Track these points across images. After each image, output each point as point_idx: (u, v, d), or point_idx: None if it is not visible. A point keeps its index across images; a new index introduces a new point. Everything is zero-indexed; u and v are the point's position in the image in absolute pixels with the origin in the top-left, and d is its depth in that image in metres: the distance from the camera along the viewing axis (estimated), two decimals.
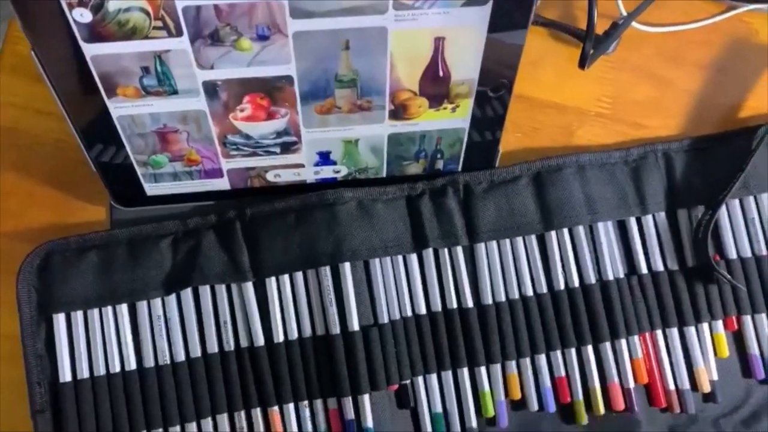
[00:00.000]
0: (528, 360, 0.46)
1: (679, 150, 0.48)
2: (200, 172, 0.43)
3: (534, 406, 0.46)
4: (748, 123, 0.50)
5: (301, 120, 0.40)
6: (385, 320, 0.45)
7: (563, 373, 0.46)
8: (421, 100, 0.40)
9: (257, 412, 0.44)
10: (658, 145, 0.48)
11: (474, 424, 0.45)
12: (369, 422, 0.43)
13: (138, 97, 0.37)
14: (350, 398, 0.43)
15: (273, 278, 0.44)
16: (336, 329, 0.44)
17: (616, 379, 0.46)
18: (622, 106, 0.51)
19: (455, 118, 0.42)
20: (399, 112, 0.40)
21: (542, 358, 0.46)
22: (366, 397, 0.43)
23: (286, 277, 0.45)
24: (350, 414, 0.43)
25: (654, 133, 0.50)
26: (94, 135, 0.39)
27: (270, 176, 0.44)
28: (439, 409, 0.45)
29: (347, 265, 0.44)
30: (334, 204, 0.45)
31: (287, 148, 0.42)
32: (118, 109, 0.38)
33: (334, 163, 0.44)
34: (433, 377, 0.45)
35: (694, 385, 0.47)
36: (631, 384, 0.46)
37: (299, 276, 0.45)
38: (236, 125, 0.39)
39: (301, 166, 0.44)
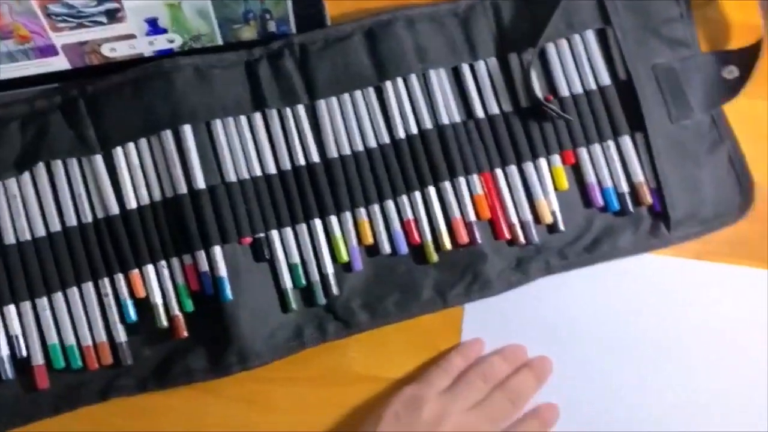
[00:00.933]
0: (376, 206, 0.48)
1: None
2: (35, 50, 0.45)
3: (386, 249, 0.49)
4: None
5: None
6: (233, 179, 0.47)
7: (411, 216, 0.49)
8: None
9: (119, 277, 0.46)
10: None
11: (331, 270, 0.48)
12: (222, 272, 0.46)
13: None
14: (203, 252, 0.46)
15: (119, 148, 0.46)
16: (183, 189, 0.46)
17: (457, 215, 0.49)
18: None
19: None
20: None
21: (390, 204, 0.49)
22: (217, 249, 0.46)
23: (131, 146, 0.47)
24: (204, 266, 0.46)
25: None
26: None
27: (106, 50, 0.46)
28: (296, 259, 0.48)
29: (187, 128, 0.46)
30: (171, 72, 0.47)
31: (112, 16, 0.43)
32: None
33: (165, 31, 0.46)
34: (288, 230, 0.48)
35: (537, 218, 0.50)
36: (472, 218, 0.49)
37: (143, 143, 0.47)
38: None
39: (133, 36, 0.45)
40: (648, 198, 0.49)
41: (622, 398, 0.48)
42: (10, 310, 0.45)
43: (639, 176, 0.50)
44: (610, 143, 0.50)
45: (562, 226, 0.50)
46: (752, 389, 0.48)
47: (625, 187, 0.50)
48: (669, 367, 0.49)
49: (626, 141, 0.50)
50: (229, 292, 0.46)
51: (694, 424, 0.48)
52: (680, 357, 0.49)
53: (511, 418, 0.47)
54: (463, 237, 0.48)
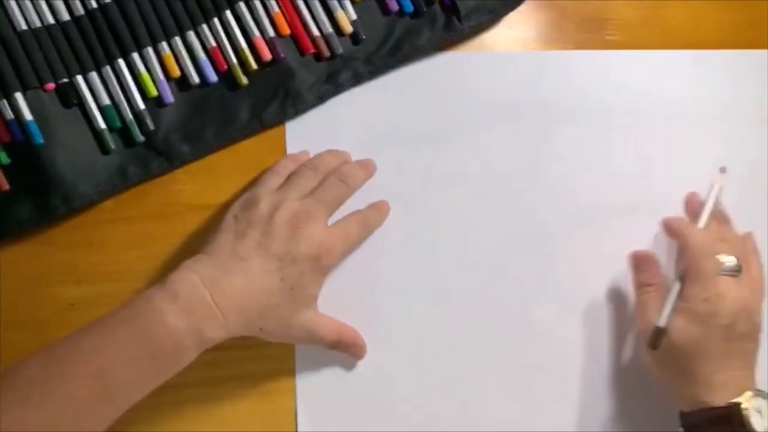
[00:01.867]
0: (178, 39, 0.49)
1: None
2: None
3: (195, 79, 0.50)
4: None
5: None
6: (24, 27, 0.47)
7: (213, 44, 0.50)
8: None
9: None
10: None
11: (142, 107, 0.49)
12: (28, 116, 0.46)
13: None
14: (5, 101, 0.46)
15: None
16: None
17: (257, 33, 0.50)
18: None
19: None
20: None
21: (191, 35, 0.50)
22: (18, 95, 0.46)
23: None
24: (9, 114, 0.46)
25: None
26: None
27: None
28: (106, 101, 0.49)
29: None
30: None
31: None
32: None
33: None
34: (93, 74, 0.48)
35: (340, 31, 0.52)
36: (272, 33, 0.50)
37: None
38: None
39: None
40: None
41: (443, 188, 0.52)
42: None
43: None
44: None
45: (363, 35, 0.52)
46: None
47: None
48: (468, 153, 0.53)
49: None
50: (39, 134, 0.46)
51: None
52: (478, 140, 0.53)
53: (344, 199, 0.49)
54: (267, 54, 0.50)
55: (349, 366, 0.50)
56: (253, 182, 0.50)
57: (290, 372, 0.50)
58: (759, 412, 0.45)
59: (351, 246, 0.49)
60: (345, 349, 0.49)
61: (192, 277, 0.42)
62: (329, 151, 0.51)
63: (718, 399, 0.45)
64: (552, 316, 0.52)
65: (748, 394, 0.45)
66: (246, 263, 0.44)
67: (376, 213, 0.51)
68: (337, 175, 0.49)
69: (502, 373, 0.51)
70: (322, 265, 0.46)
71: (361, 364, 0.50)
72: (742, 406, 0.45)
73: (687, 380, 0.47)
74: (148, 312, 0.41)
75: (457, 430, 0.50)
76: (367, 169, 0.51)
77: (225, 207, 0.50)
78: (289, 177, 0.49)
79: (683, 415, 0.48)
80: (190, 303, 0.41)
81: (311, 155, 0.51)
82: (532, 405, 0.51)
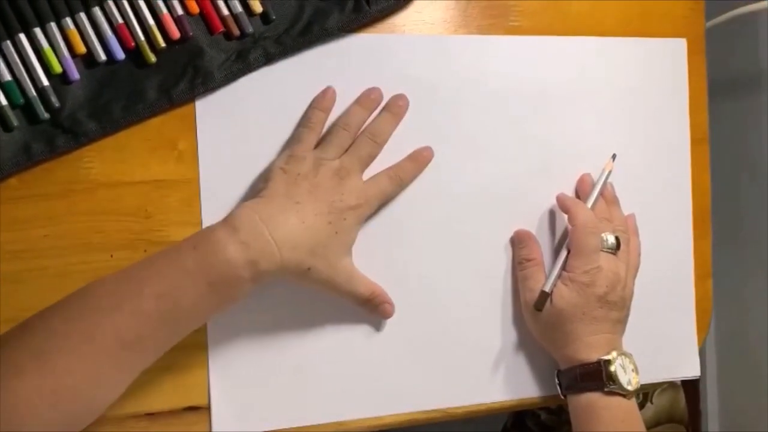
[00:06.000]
0: (83, 14, 0.49)
1: None
2: None
3: (102, 56, 0.49)
4: None
5: None
6: None
7: (121, 20, 0.49)
8: None
9: None
10: None
11: (46, 83, 0.48)
12: None
13: None
14: None
15: None
16: None
17: (165, 11, 0.50)
18: None
19: None
20: None
21: (97, 11, 0.49)
22: None
23: None
24: None
25: None
26: None
27: None
28: (7, 77, 0.48)
29: None
30: None
31: None
32: None
33: None
34: None
35: (250, 10, 0.52)
36: (180, 11, 0.50)
37: None
38: None
39: None
40: None
41: None
42: None
43: None
44: None
45: (273, 15, 0.53)
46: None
47: None
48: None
49: None
50: None
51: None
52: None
53: (375, 154, 0.53)
54: (175, 32, 0.50)
55: (261, 342, 0.52)
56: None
57: (203, 346, 0.51)
58: (623, 368, 0.52)
59: (385, 199, 0.53)
60: (375, 307, 0.53)
61: (251, 214, 0.46)
62: (359, 104, 0.53)
63: (591, 356, 0.52)
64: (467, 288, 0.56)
65: (615, 353, 0.52)
66: (299, 205, 0.48)
67: (411, 164, 0.54)
68: (367, 134, 0.53)
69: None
70: (360, 214, 0.51)
71: (273, 343, 0.53)
72: (610, 362, 0.51)
73: (566, 341, 0.53)
74: (211, 242, 0.45)
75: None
76: (397, 111, 0.54)
77: (137, 184, 0.51)
78: (325, 136, 0.52)
79: (560, 373, 0.54)
80: (249, 236, 0.45)
81: (328, 98, 0.53)
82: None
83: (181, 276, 0.44)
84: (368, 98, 0.53)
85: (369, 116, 0.53)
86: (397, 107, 0.54)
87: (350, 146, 0.52)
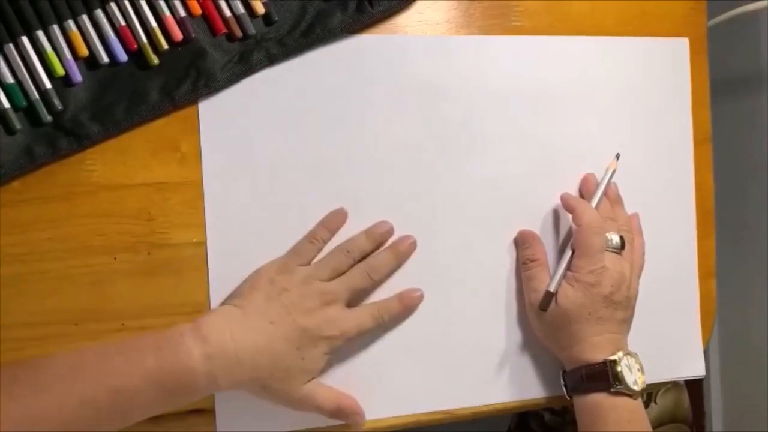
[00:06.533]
0: (85, 17, 0.49)
1: None
2: None
3: (104, 59, 0.49)
4: None
5: None
6: None
7: (123, 22, 0.49)
8: None
9: None
10: None
11: (49, 85, 0.48)
12: None
13: None
14: None
15: None
16: None
17: (167, 12, 0.50)
18: None
19: None
20: None
21: (99, 13, 0.49)
22: None
23: None
24: None
25: None
26: None
27: None
28: (9, 80, 0.47)
29: None
30: None
31: None
32: None
33: None
34: None
35: (252, 12, 0.52)
36: (182, 13, 0.50)
37: None
38: None
39: None
40: None
41: (354, 166, 0.54)
42: None
43: None
44: None
45: (275, 16, 0.53)
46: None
47: None
48: (378, 133, 0.55)
49: None
50: None
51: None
52: (387, 121, 0.55)
53: (368, 290, 0.53)
54: (177, 34, 0.50)
55: None
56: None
57: None
58: (629, 368, 0.51)
59: (361, 334, 0.52)
60: (344, 418, 0.52)
61: (224, 328, 0.47)
62: (367, 234, 0.53)
63: (597, 357, 0.52)
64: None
65: (620, 353, 0.51)
66: (272, 326, 0.48)
67: (398, 306, 0.53)
68: (366, 267, 0.52)
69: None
70: (333, 345, 0.50)
71: None
72: (616, 362, 0.51)
73: (571, 341, 0.52)
74: (177, 348, 0.45)
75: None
76: (401, 256, 0.54)
77: (140, 186, 0.51)
78: (325, 255, 0.52)
79: (565, 374, 0.54)
80: (215, 350, 0.45)
81: (338, 219, 0.53)
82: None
83: (139, 377, 0.44)
84: (377, 231, 0.53)
85: (373, 249, 0.53)
86: (403, 247, 0.54)
87: (345, 273, 0.52)
